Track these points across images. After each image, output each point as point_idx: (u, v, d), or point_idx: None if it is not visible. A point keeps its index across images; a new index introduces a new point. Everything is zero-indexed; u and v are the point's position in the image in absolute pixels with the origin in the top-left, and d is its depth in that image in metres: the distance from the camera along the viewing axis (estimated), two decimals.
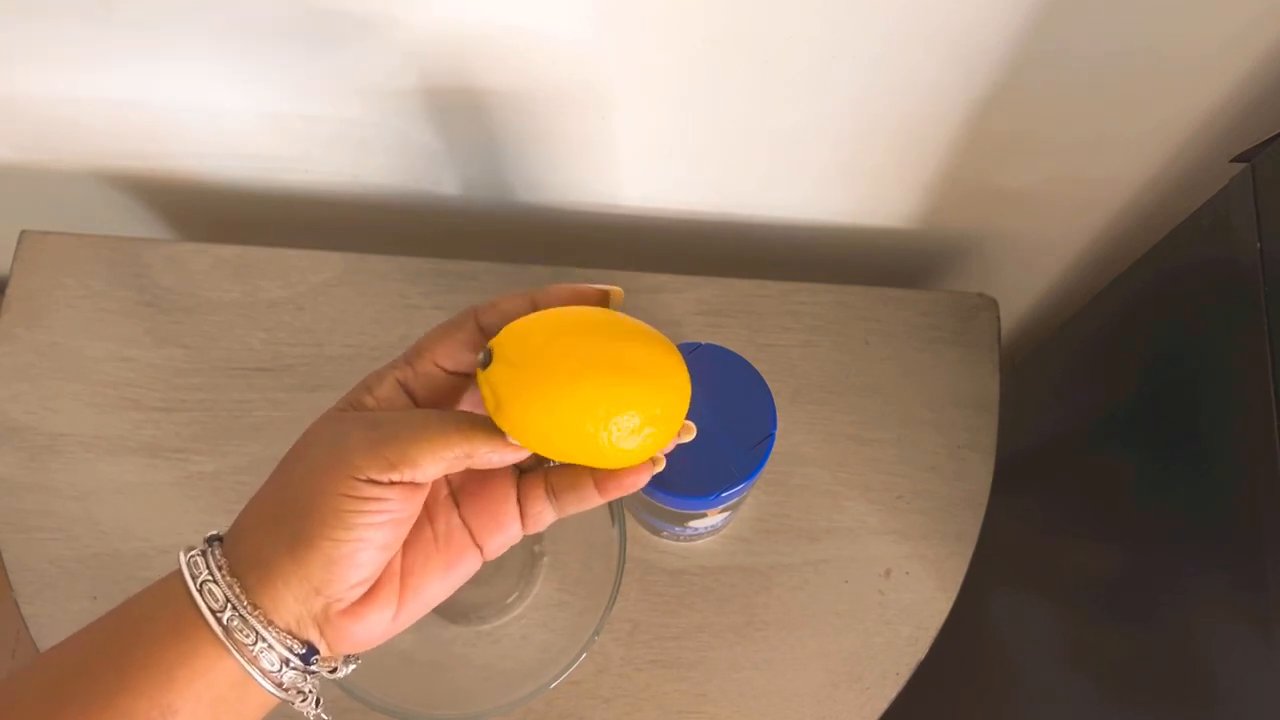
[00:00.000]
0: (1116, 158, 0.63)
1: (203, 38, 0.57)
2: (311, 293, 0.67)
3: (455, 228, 0.77)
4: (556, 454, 0.34)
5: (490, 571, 0.61)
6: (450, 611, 0.60)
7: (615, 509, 0.53)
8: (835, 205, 0.71)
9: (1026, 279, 0.81)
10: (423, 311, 0.67)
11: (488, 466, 0.35)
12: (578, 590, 0.58)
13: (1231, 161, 0.54)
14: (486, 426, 0.34)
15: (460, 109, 0.62)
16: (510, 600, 0.60)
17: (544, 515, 0.37)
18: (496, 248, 0.80)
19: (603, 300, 0.37)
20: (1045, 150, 0.62)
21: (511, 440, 0.34)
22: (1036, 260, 0.78)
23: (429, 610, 0.37)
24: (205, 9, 0.54)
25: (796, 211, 0.72)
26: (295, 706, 0.35)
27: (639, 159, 0.66)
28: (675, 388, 0.35)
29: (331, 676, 0.36)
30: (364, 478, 0.32)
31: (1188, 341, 0.54)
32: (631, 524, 0.61)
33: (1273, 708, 0.42)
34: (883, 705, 0.59)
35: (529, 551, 0.62)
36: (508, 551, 0.63)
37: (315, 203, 0.75)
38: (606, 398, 0.33)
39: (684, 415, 0.36)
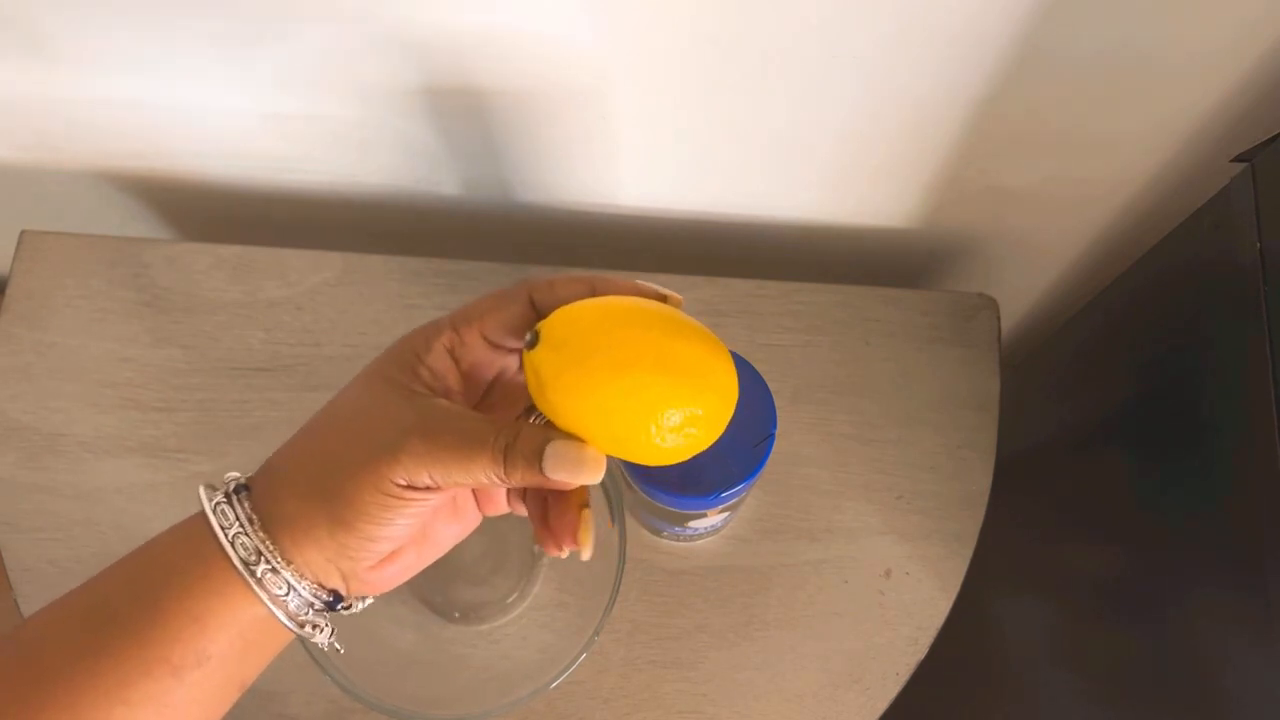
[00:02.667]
0: (1117, 157, 0.62)
1: (203, 38, 0.57)
2: (311, 293, 0.67)
3: (455, 228, 0.77)
4: (595, 444, 0.34)
5: (490, 571, 0.61)
6: (450, 611, 0.60)
7: (615, 509, 0.53)
8: (835, 205, 0.71)
9: (1026, 279, 0.81)
10: (423, 311, 0.67)
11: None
12: (578, 590, 0.58)
13: (1232, 161, 0.54)
14: (526, 459, 0.33)
15: (460, 109, 0.62)
16: (510, 600, 0.60)
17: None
18: (496, 248, 0.80)
19: (661, 301, 0.37)
20: (1045, 150, 0.62)
21: (546, 474, 0.33)
22: (1036, 260, 0.77)
23: (444, 553, 0.39)
24: (206, 8, 0.54)
25: (796, 211, 0.72)
26: (313, 639, 0.36)
27: (639, 159, 0.66)
28: (720, 389, 0.34)
29: (347, 613, 0.37)
30: (405, 483, 0.33)
31: (1188, 341, 0.54)
32: (631, 524, 0.61)
33: (1273, 708, 0.42)
34: (883, 706, 0.59)
35: (529, 551, 0.62)
36: (508, 551, 0.63)
37: (315, 203, 0.75)
38: (649, 393, 0.33)
39: (728, 419, 0.35)
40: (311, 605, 0.34)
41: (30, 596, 0.61)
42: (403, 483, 0.33)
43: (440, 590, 0.60)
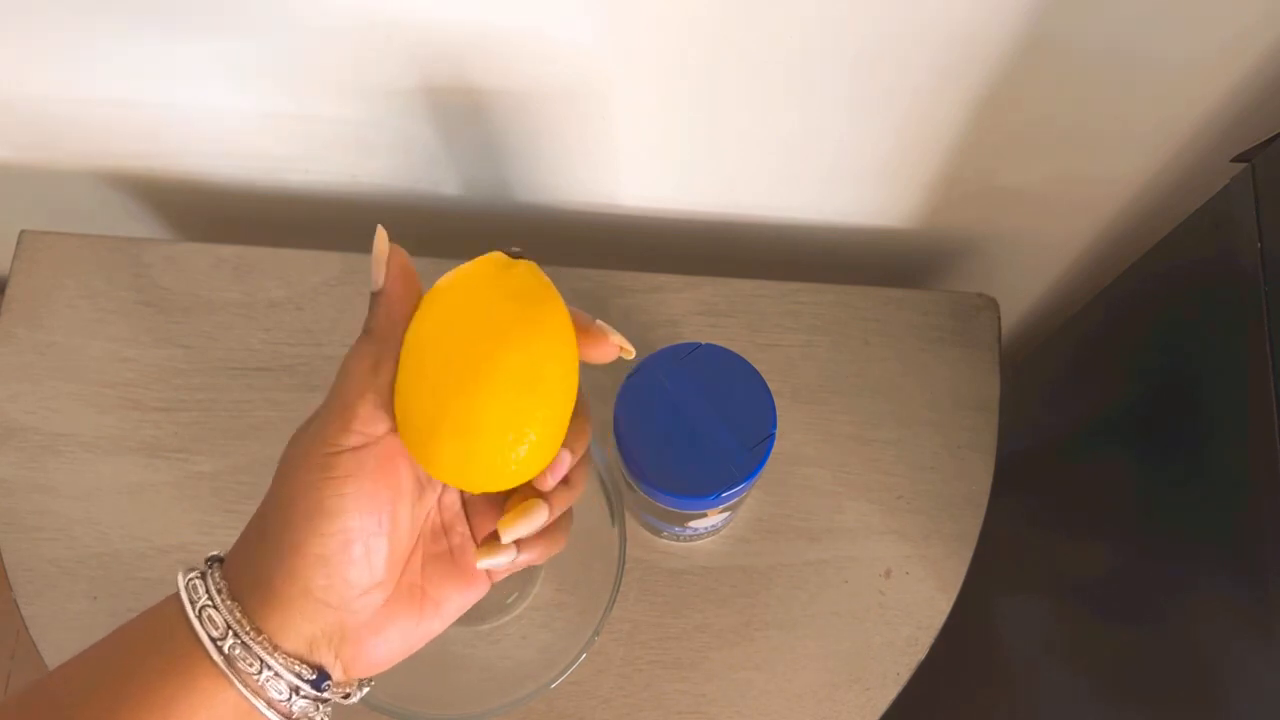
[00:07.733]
0: (1116, 158, 0.62)
1: (203, 37, 0.57)
2: (311, 293, 0.67)
3: (455, 228, 0.77)
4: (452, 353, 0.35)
5: None
6: None
7: (615, 509, 0.53)
8: (835, 205, 0.71)
9: (1026, 279, 0.81)
10: None
11: (394, 327, 0.34)
12: (578, 590, 0.58)
13: (1232, 161, 0.54)
14: (371, 303, 0.34)
15: (460, 109, 0.62)
16: (510, 600, 0.60)
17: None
18: (496, 248, 0.80)
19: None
20: (1045, 150, 0.62)
21: (376, 284, 0.35)
22: (1036, 260, 0.77)
23: (448, 625, 0.36)
24: (206, 8, 0.54)
25: (797, 212, 0.72)
26: None
27: (639, 159, 0.66)
28: (555, 437, 0.34)
29: (345, 702, 0.34)
30: (331, 450, 0.32)
31: (1188, 341, 0.54)
32: (631, 524, 0.61)
33: (1273, 708, 0.42)
34: (883, 706, 0.59)
35: None
36: None
37: (315, 203, 0.75)
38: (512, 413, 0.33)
39: (552, 450, 0.34)
40: (295, 689, 0.31)
41: (30, 596, 0.61)
42: (329, 451, 0.32)
43: None
